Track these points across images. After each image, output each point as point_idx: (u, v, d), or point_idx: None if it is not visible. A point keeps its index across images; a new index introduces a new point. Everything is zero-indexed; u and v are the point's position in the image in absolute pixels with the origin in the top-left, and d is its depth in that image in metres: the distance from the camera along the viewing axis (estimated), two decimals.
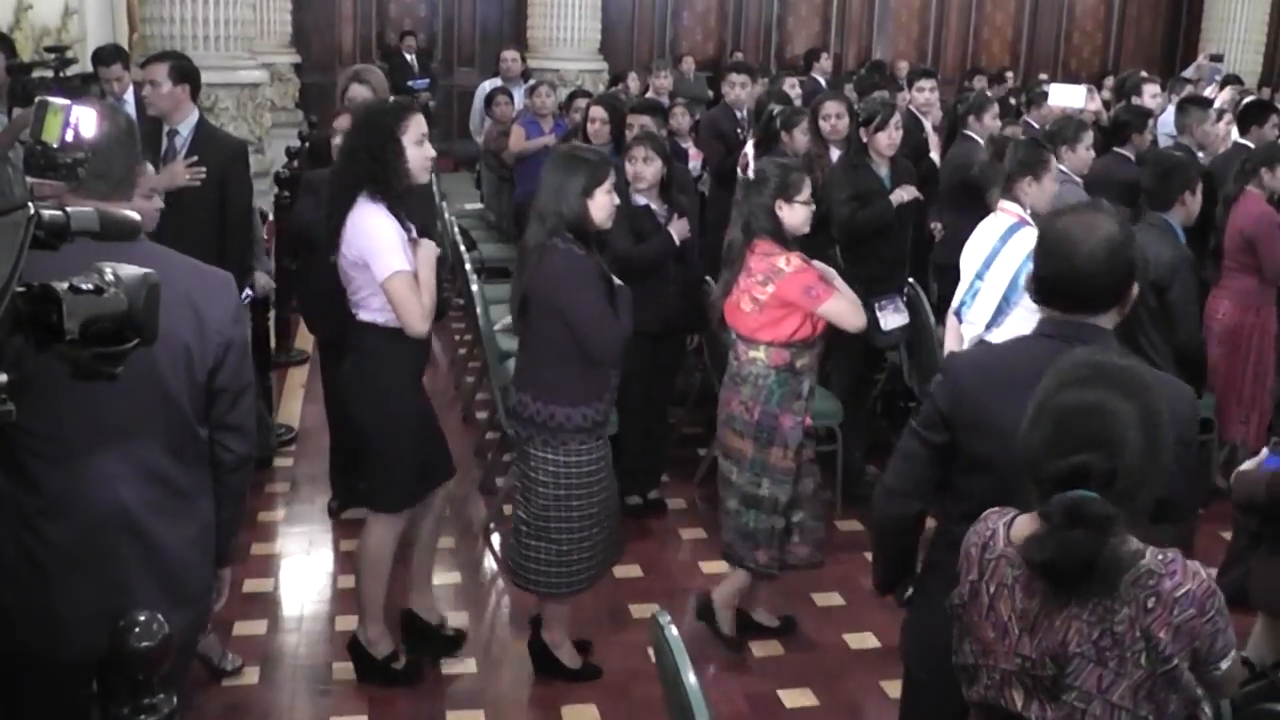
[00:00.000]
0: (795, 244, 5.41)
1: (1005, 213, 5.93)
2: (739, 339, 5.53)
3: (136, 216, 2.36)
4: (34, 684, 3.31)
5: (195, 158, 6.41)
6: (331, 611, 5.91)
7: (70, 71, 8.40)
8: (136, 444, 3.22)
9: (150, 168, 5.02)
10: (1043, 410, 2.58)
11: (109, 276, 2.15)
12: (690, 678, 3.04)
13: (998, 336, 5.50)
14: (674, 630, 3.21)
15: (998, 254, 5.78)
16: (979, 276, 5.82)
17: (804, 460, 5.58)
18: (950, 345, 5.95)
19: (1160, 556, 2.51)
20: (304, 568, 6.43)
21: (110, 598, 3.14)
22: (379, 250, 4.86)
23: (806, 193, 5.43)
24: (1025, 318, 5.67)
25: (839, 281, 5.50)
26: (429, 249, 5.06)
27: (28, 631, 3.22)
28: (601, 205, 5.06)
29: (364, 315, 5.05)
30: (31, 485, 3.15)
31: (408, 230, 4.98)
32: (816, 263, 5.47)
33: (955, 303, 5.99)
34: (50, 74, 8.00)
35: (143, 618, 2.44)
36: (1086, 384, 2.55)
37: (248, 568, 6.20)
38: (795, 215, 5.41)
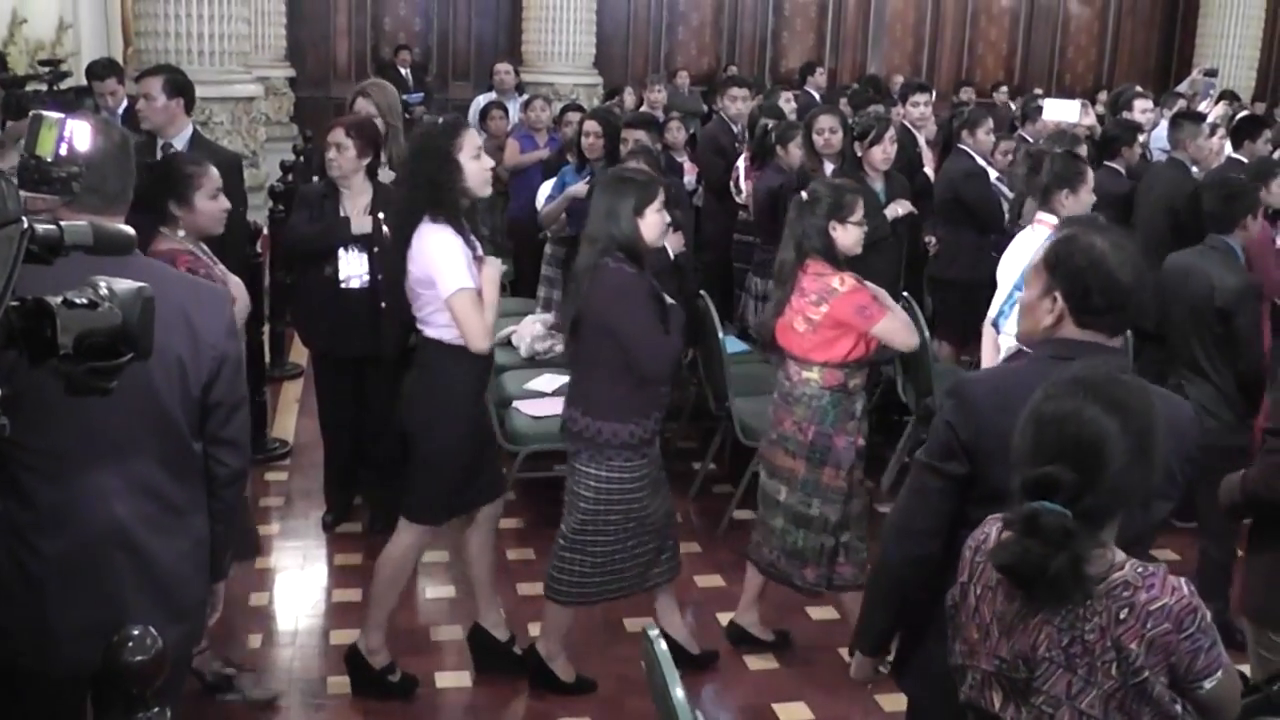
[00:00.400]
0: (847, 264, 5.41)
1: (1042, 225, 5.94)
2: (791, 359, 5.51)
3: (131, 231, 2.35)
4: (28, 699, 3.30)
5: None
6: (326, 625, 5.90)
7: (64, 85, 8.41)
8: (131, 458, 3.21)
9: (213, 170, 5.11)
10: (1027, 417, 2.61)
11: (103, 291, 2.14)
12: (678, 692, 3.04)
13: None
14: (663, 644, 3.20)
15: None
16: (1018, 288, 5.84)
17: (855, 480, 5.54)
18: (988, 357, 5.99)
19: (1140, 569, 2.52)
20: (299, 581, 6.42)
21: (104, 612, 3.13)
22: (444, 267, 4.93)
23: (860, 213, 5.45)
24: None
25: (890, 301, 5.51)
26: (494, 267, 5.13)
27: (22, 646, 3.21)
28: (653, 224, 5.10)
29: (430, 332, 5.12)
30: (25, 500, 3.15)
31: (473, 248, 5.04)
32: (868, 283, 5.47)
33: (992, 314, 6.00)
34: (44, 87, 8.01)
35: (136, 632, 2.44)
36: (1068, 394, 2.57)
37: (244, 582, 6.18)
38: (848, 235, 5.41)
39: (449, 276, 4.93)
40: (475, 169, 5.03)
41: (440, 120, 5.44)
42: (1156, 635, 2.47)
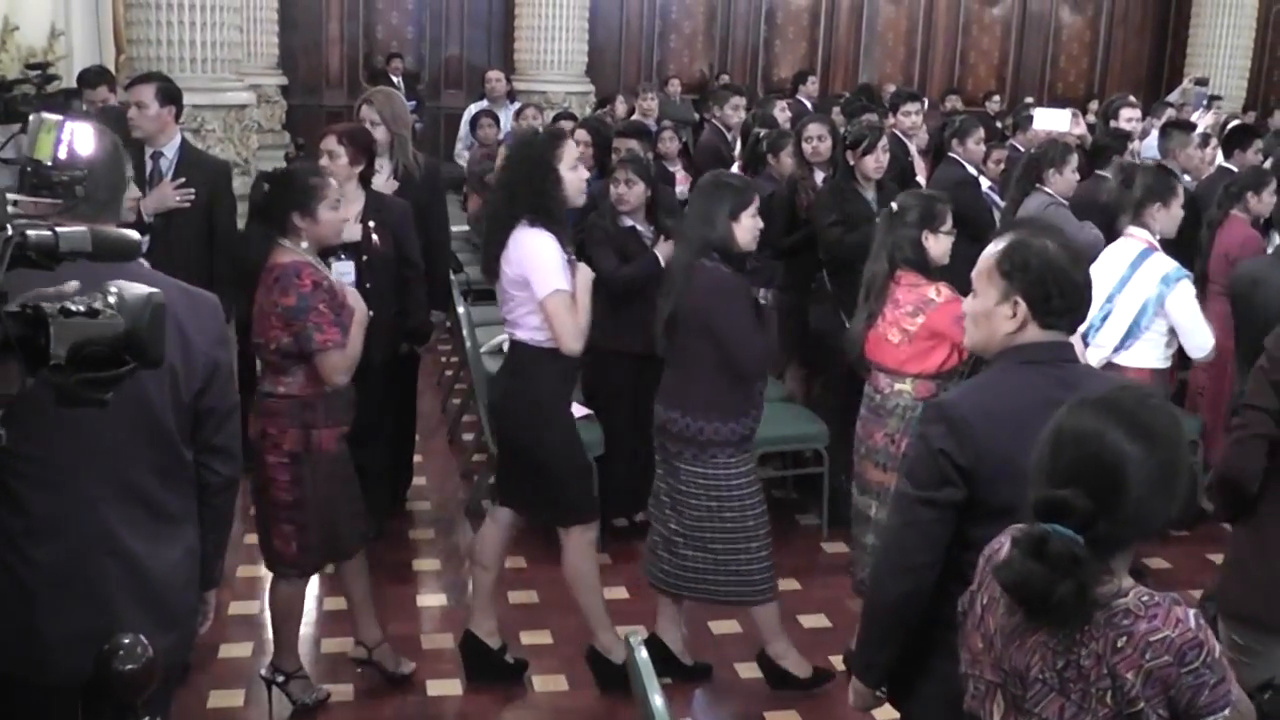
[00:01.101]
0: (938, 274, 5.45)
1: (1134, 238, 6.12)
2: (881, 372, 5.51)
3: (135, 236, 2.32)
4: (19, 707, 3.29)
5: (183, 179, 6.39)
6: (317, 634, 5.89)
7: (53, 88, 8.38)
8: (122, 466, 3.21)
9: (332, 180, 5.18)
10: (1048, 433, 2.54)
11: (111, 298, 2.12)
12: (657, 700, 3.04)
13: (1126, 359, 5.87)
14: (644, 652, 3.21)
15: (1129, 279, 5.97)
16: (1109, 300, 5.93)
17: None
18: None
19: (1145, 598, 2.44)
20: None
21: (96, 620, 3.12)
22: (540, 268, 5.07)
23: (950, 223, 5.51)
24: (1155, 340, 5.92)
25: None
26: (586, 272, 5.23)
27: (13, 654, 3.20)
28: (747, 228, 5.26)
29: (520, 334, 5.26)
30: (16, 506, 3.14)
31: (567, 253, 5.15)
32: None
33: (1082, 326, 6.00)
34: (33, 91, 7.98)
35: (127, 641, 2.43)
36: (1092, 414, 2.49)
37: (234, 590, 6.18)
38: (940, 245, 5.46)
39: (545, 278, 5.05)
40: (573, 179, 5.20)
41: (541, 129, 5.50)
42: (1155, 667, 2.39)
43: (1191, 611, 2.44)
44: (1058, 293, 3.17)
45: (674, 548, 5.36)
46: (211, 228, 6.57)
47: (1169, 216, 6.20)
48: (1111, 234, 6.64)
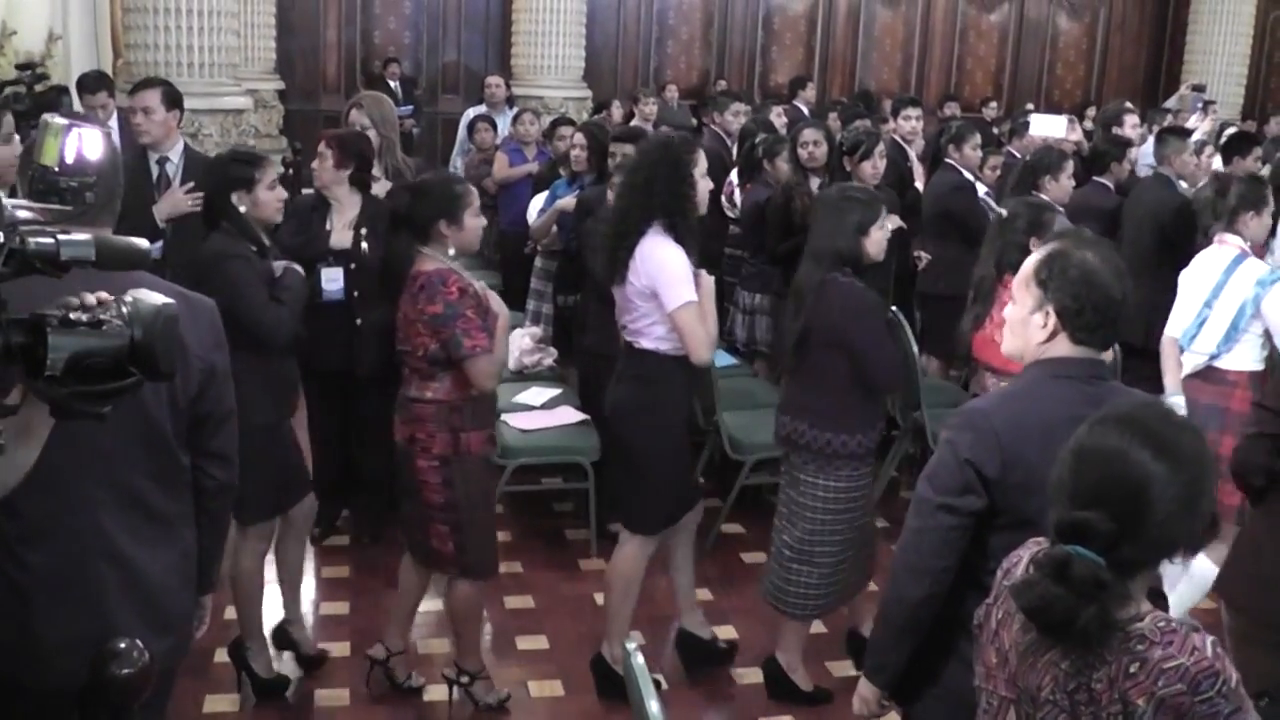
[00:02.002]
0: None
1: (1227, 245, 6.25)
2: (988, 371, 5.64)
3: (144, 244, 2.30)
4: (15, 711, 3.29)
5: (192, 184, 6.37)
6: (313, 639, 5.88)
7: (43, 87, 8.39)
8: (118, 470, 3.21)
9: (473, 188, 5.24)
10: (1069, 450, 2.49)
11: (125, 308, 2.10)
12: (653, 705, 3.04)
13: (1226, 363, 5.98)
14: (640, 659, 3.21)
15: (1225, 284, 6.09)
16: (1207, 305, 6.11)
17: None
18: (1170, 374, 6.21)
19: (1161, 624, 2.39)
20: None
21: (91, 624, 3.13)
22: (671, 280, 5.09)
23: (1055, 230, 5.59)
24: (1253, 341, 6.01)
25: None
26: (708, 280, 5.24)
27: (9, 658, 3.20)
28: (876, 241, 5.28)
29: (645, 343, 5.27)
30: (12, 511, 3.14)
31: (692, 261, 5.19)
32: None
33: (1176, 331, 6.24)
34: (24, 90, 7.98)
35: (123, 645, 2.43)
36: (1115, 432, 2.44)
37: (228, 595, 6.17)
38: None
39: (675, 290, 5.08)
40: (703, 188, 5.24)
41: (673, 135, 5.52)
42: (1167, 695, 2.32)
43: (1209, 639, 2.38)
44: (1091, 307, 3.12)
45: (782, 558, 5.40)
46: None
47: (1260, 224, 6.39)
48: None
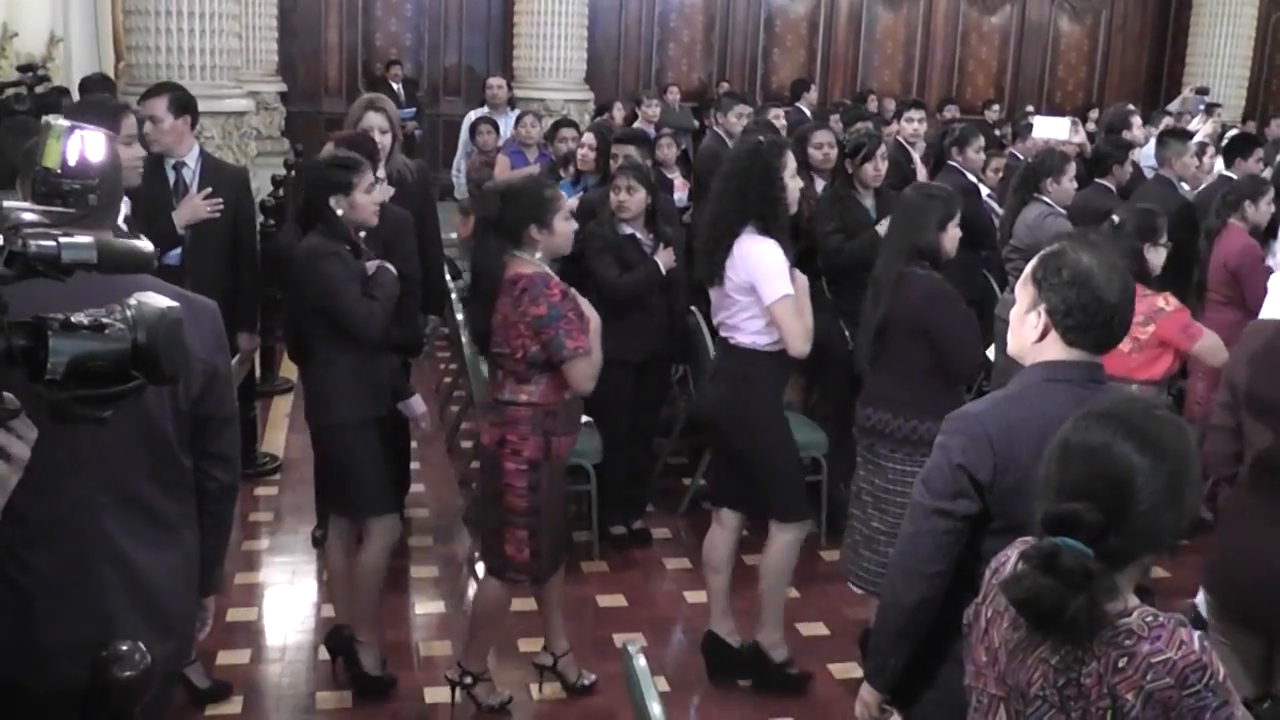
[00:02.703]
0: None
1: None
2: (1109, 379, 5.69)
3: (148, 247, 2.28)
4: (17, 713, 3.29)
5: (209, 189, 6.35)
6: (315, 641, 5.88)
7: (44, 88, 8.38)
8: (120, 473, 3.20)
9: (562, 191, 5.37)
10: (1054, 447, 2.52)
11: (128, 312, 2.09)
12: (655, 708, 3.04)
13: None
14: (642, 661, 3.21)
15: None
16: None
17: None
18: None
19: (1149, 619, 2.41)
20: (288, 597, 6.40)
21: (93, 627, 3.12)
22: (768, 275, 5.26)
23: (1166, 234, 5.86)
24: None
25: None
26: (803, 278, 5.42)
27: (10, 661, 3.20)
28: (952, 237, 5.47)
29: (741, 339, 5.43)
30: (14, 514, 3.12)
31: (789, 258, 5.36)
32: None
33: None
34: (25, 91, 7.98)
35: (125, 648, 2.43)
36: (1099, 427, 2.46)
37: (231, 597, 6.18)
38: (1158, 256, 5.81)
39: (773, 284, 5.25)
40: (793, 188, 5.43)
41: (762, 139, 5.61)
42: (1156, 689, 2.35)
43: (1197, 634, 2.40)
44: (1080, 308, 3.11)
45: (875, 545, 5.41)
46: (236, 236, 6.57)
47: None
48: None
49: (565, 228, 5.13)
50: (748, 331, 5.38)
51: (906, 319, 5.29)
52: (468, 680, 5.29)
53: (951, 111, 16.18)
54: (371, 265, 5.31)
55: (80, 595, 3.18)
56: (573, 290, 5.10)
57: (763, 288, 5.25)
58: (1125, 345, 5.44)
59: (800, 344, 5.33)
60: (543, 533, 5.11)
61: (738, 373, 5.48)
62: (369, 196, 5.31)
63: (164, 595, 3.32)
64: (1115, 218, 5.87)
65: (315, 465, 6.86)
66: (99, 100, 5.35)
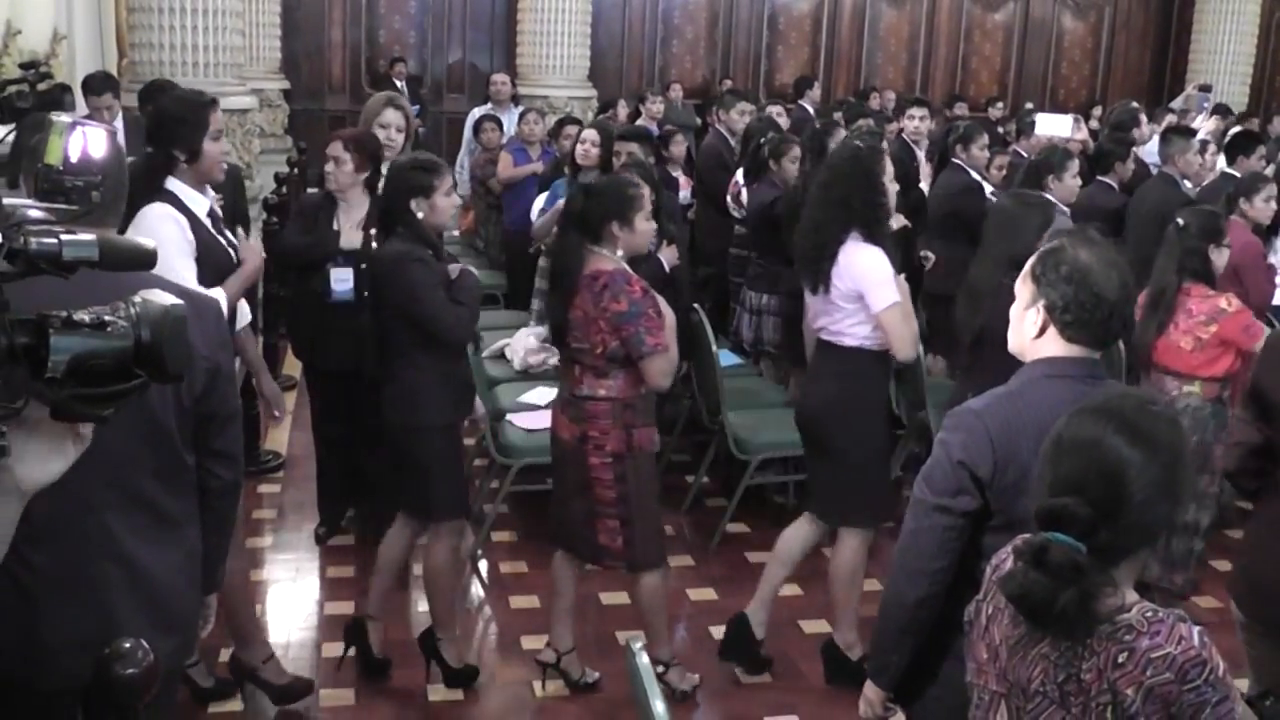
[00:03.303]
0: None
1: None
2: (1169, 375, 5.94)
3: (150, 245, 2.28)
4: (19, 710, 3.29)
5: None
6: (318, 638, 5.89)
7: (47, 85, 8.37)
8: (123, 470, 3.20)
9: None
10: (1048, 443, 2.54)
11: (132, 309, 2.08)
12: (658, 705, 3.04)
13: None
14: (644, 658, 3.21)
15: None
16: None
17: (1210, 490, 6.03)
18: None
19: (1149, 614, 2.42)
20: (291, 594, 6.40)
21: (96, 624, 3.12)
22: (876, 284, 5.33)
23: (1228, 236, 5.99)
24: None
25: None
26: (905, 285, 5.52)
27: (13, 657, 3.20)
28: (1259, 251, 5.73)
29: (848, 341, 5.48)
30: None
31: (894, 265, 5.44)
32: None
33: None
34: (26, 87, 7.97)
35: (128, 645, 2.42)
36: (1091, 422, 2.48)
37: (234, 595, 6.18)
38: (1222, 258, 5.95)
39: (882, 293, 5.32)
40: (892, 191, 5.51)
41: (861, 146, 5.65)
42: (1156, 684, 2.36)
43: (1196, 629, 2.41)
44: (1076, 304, 3.13)
45: None
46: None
47: None
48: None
49: (646, 226, 5.18)
50: (856, 336, 5.45)
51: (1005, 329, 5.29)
52: (659, 669, 5.28)
53: (961, 109, 16.14)
54: (454, 269, 5.37)
55: (83, 592, 3.18)
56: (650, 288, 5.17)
57: (871, 296, 5.32)
58: (1187, 344, 5.74)
59: (909, 350, 5.47)
60: (635, 521, 5.17)
61: (842, 372, 5.52)
62: (449, 200, 5.37)
63: (167, 592, 3.32)
64: (1180, 220, 5.94)
65: (318, 463, 6.89)
66: (190, 94, 5.35)
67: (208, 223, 4.90)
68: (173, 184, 4.83)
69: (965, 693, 2.87)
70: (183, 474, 3.35)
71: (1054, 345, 3.20)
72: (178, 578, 3.36)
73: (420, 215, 5.25)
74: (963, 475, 3.20)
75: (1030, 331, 3.24)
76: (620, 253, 5.10)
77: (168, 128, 4.90)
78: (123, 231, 4.72)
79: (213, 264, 4.82)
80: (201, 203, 4.90)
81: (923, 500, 3.30)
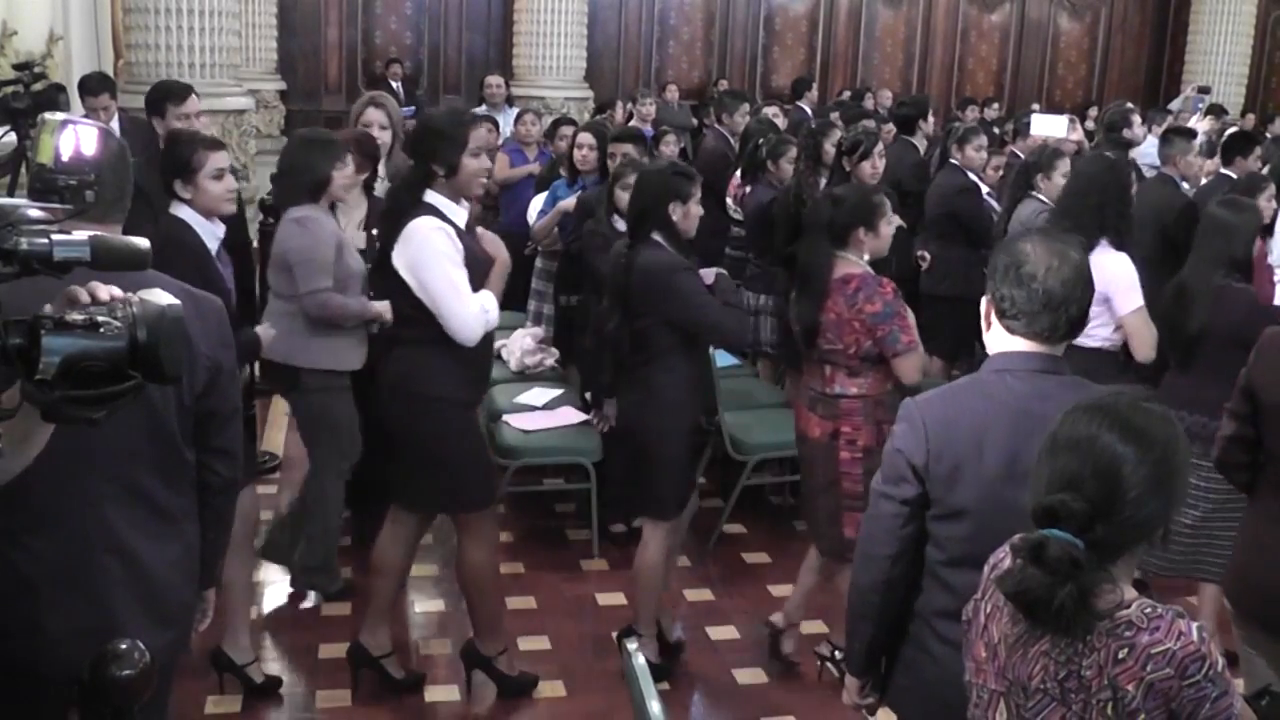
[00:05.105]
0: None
1: None
2: None
3: (144, 244, 2.26)
4: (18, 697, 3.29)
5: None
6: (315, 640, 5.87)
7: (41, 85, 8.37)
8: (123, 464, 3.21)
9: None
10: (1044, 442, 2.55)
11: (131, 310, 2.07)
12: (654, 706, 3.04)
13: None
14: (641, 658, 3.21)
15: None
16: None
17: None
18: None
19: (1148, 610, 2.43)
20: (287, 595, 6.39)
21: (94, 615, 3.16)
22: (1125, 288, 5.66)
23: None
24: None
25: None
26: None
27: (17, 644, 3.21)
28: (1258, 248, 5.82)
29: (1090, 343, 5.60)
30: (20, 502, 3.14)
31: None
32: None
33: None
34: (21, 88, 7.97)
35: (124, 646, 2.42)
36: (1085, 420, 2.50)
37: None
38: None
39: (1129, 296, 5.65)
40: (1129, 199, 5.85)
41: (1114, 157, 5.93)
42: (1156, 680, 2.38)
43: (1195, 625, 2.43)
44: (1010, 295, 3.17)
45: (1179, 537, 5.54)
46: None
47: None
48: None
49: (888, 231, 5.38)
50: (1097, 338, 5.66)
51: (1228, 329, 5.47)
52: (838, 654, 5.40)
53: (973, 112, 16.02)
54: (708, 274, 5.50)
55: (83, 583, 3.21)
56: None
57: (1119, 300, 5.63)
58: None
59: (1150, 351, 5.68)
60: None
61: (1081, 370, 5.54)
62: (699, 208, 5.51)
63: (164, 586, 3.34)
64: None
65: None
66: (453, 112, 5.58)
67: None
68: (431, 196, 4.94)
69: (931, 684, 3.07)
70: (182, 470, 3.37)
71: (1001, 339, 3.25)
72: (174, 572, 3.37)
73: (675, 219, 5.40)
74: (901, 463, 3.28)
75: (985, 325, 3.31)
76: (866, 256, 5.29)
77: (429, 142, 5.00)
78: (389, 245, 4.94)
79: (476, 270, 4.97)
80: (460, 214, 5.01)
81: (874, 488, 3.40)
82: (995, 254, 3.29)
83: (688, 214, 5.42)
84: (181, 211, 4.94)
